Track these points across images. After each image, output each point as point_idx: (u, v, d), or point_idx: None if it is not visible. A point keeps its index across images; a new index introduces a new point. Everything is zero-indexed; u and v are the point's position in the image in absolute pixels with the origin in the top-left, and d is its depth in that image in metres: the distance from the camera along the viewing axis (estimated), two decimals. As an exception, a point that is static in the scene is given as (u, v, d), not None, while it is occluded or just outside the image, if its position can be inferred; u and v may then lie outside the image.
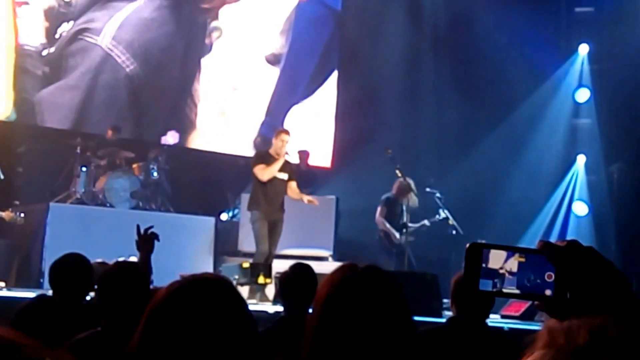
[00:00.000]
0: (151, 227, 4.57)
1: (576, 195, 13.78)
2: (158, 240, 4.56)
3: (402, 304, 1.92)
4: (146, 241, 4.55)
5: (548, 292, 1.13)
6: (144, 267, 4.28)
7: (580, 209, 13.71)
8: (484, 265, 1.13)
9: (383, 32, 14.30)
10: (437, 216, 11.68)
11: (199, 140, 13.39)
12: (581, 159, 13.87)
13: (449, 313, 5.25)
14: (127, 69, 12.47)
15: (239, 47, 13.62)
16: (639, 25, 13.64)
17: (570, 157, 13.92)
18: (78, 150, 11.43)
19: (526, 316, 8.84)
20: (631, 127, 13.33)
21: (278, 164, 9.75)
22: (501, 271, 1.13)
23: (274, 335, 4.24)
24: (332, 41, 14.57)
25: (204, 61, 13.38)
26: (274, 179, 9.82)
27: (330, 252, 11.56)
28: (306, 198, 10.19)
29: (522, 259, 1.13)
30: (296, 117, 14.07)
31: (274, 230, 9.93)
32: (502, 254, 1.14)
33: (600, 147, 13.57)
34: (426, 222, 11.54)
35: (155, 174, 11.78)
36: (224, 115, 13.56)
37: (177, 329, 1.67)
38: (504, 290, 1.14)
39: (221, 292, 1.74)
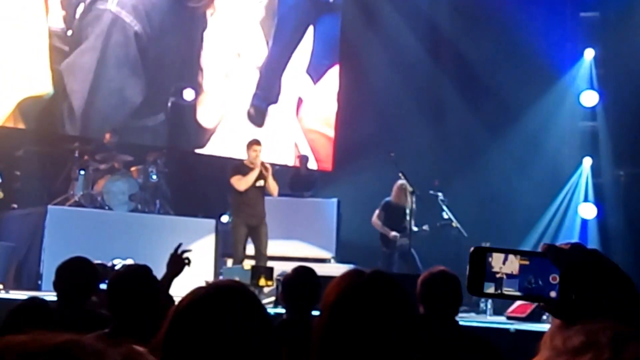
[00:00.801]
0: (188, 250, 4.39)
1: (582, 198, 13.69)
2: (189, 265, 4.37)
3: (409, 308, 1.96)
4: (177, 262, 4.33)
5: (553, 294, 1.13)
6: (165, 285, 4.16)
7: (588, 212, 13.61)
8: (487, 268, 1.15)
9: (385, 32, 14.19)
10: (439, 221, 11.58)
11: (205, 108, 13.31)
12: (587, 162, 13.79)
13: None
14: (136, 27, 12.59)
15: (240, 13, 13.67)
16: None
17: (577, 160, 13.82)
18: (76, 154, 11.46)
19: (532, 317, 8.73)
20: (638, 130, 13.25)
21: (254, 175, 10.14)
22: (505, 274, 1.14)
23: (276, 337, 4.16)
24: (332, 34, 14.46)
25: (207, 32, 13.42)
26: (252, 186, 10.14)
27: (332, 254, 11.48)
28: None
29: (526, 262, 1.14)
30: (297, 119, 13.98)
31: (258, 234, 10.26)
32: (506, 257, 1.15)
33: (608, 150, 13.49)
34: (426, 227, 11.39)
35: (154, 176, 11.74)
36: (228, 78, 13.54)
37: (201, 334, 1.74)
38: (508, 293, 1.14)
39: (243, 299, 1.81)
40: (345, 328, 1.88)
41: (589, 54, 14.04)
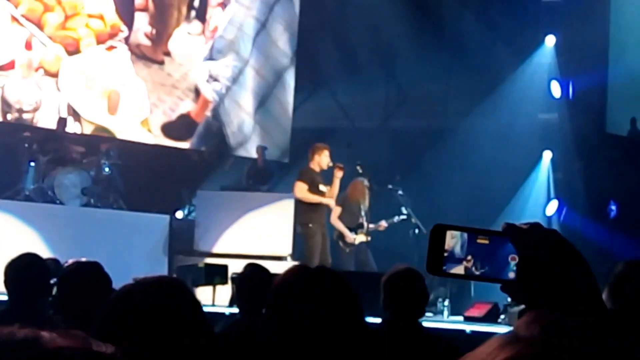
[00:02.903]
0: None
1: (543, 192, 13.69)
2: None
3: (353, 305, 1.93)
4: None
5: (511, 275, 1.11)
6: None
7: (547, 205, 13.62)
8: (447, 247, 1.13)
9: (344, 16, 13.96)
10: (397, 217, 11.43)
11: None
12: (547, 155, 13.77)
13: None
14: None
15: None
16: (606, 17, 13.58)
17: (537, 152, 13.80)
18: (26, 145, 11.11)
19: (490, 318, 8.65)
20: (597, 121, 13.26)
21: (335, 189, 10.07)
22: (464, 254, 1.13)
23: (230, 337, 4.14)
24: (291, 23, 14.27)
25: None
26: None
27: (290, 252, 11.30)
28: None
29: (486, 241, 1.13)
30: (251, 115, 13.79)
31: (324, 240, 10.21)
32: (466, 236, 1.13)
33: (567, 142, 13.48)
34: (384, 222, 11.25)
35: (107, 169, 11.48)
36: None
37: (129, 333, 1.67)
38: (467, 273, 1.13)
39: (175, 296, 1.73)
40: (289, 323, 1.88)
41: (550, 40, 14.01)
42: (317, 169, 9.88)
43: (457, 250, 1.13)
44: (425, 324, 7.31)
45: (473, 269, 1.12)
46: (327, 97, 14.28)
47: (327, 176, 10.27)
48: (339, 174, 9.91)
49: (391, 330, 3.88)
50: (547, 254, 1.09)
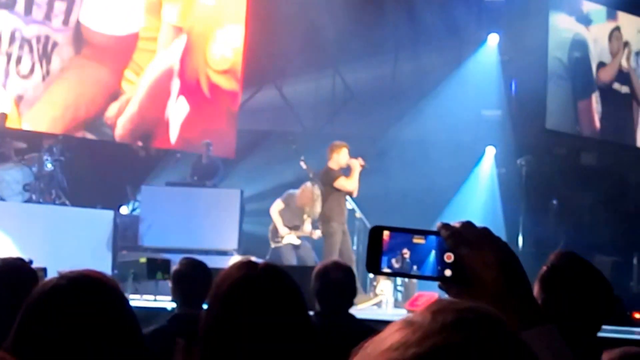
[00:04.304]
0: None
1: (485, 188, 13.84)
2: None
3: (299, 302, 1.95)
4: None
5: (448, 273, 1.15)
6: None
7: (490, 201, 13.77)
8: (385, 247, 1.16)
9: (290, 13, 13.89)
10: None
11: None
12: (490, 151, 13.93)
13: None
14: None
15: None
16: (547, 16, 13.77)
17: (480, 149, 13.94)
18: (-35, 140, 10.94)
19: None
20: (538, 118, 13.44)
21: (357, 173, 9.89)
22: (401, 252, 1.16)
23: (167, 332, 4.10)
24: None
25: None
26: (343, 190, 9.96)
27: (235, 247, 11.28)
28: None
29: (422, 241, 1.16)
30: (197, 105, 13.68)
31: (346, 237, 10.07)
32: (403, 235, 1.17)
33: (509, 138, 13.65)
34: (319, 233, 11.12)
35: (49, 165, 11.31)
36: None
37: (52, 328, 1.64)
38: (404, 271, 1.17)
39: (99, 290, 1.70)
40: (236, 319, 1.86)
41: (493, 39, 14.16)
42: (335, 167, 9.87)
43: (395, 250, 1.16)
44: (368, 316, 7.41)
45: (410, 267, 1.16)
46: (274, 94, 14.26)
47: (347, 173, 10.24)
48: (357, 166, 9.88)
49: (321, 322, 3.93)
50: (478, 251, 1.13)
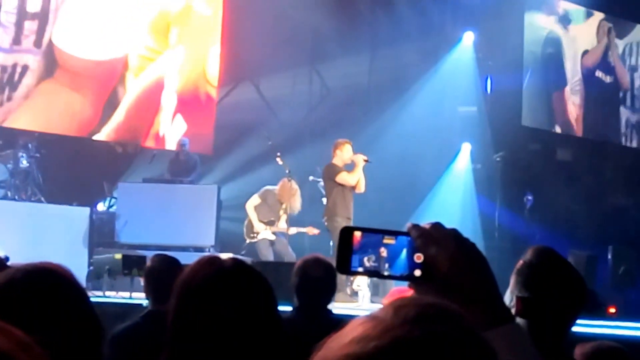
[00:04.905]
0: None
1: (462, 183, 13.90)
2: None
3: (265, 297, 1.93)
4: None
5: (417, 273, 1.16)
6: None
7: (466, 196, 13.84)
8: (355, 247, 1.17)
9: (267, 10, 13.89)
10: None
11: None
12: (466, 147, 13.99)
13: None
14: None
15: None
16: (522, 14, 13.84)
17: (457, 145, 13.99)
18: (-60, 137, 10.85)
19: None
20: (514, 114, 13.50)
21: (360, 168, 9.85)
22: (372, 253, 1.17)
23: (141, 329, 4.10)
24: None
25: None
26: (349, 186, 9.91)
27: (212, 243, 11.26)
28: None
29: (392, 241, 1.17)
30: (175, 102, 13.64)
31: None
32: (373, 236, 1.18)
33: (485, 135, 13.71)
34: (293, 230, 11.10)
35: (24, 162, 11.26)
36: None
37: (6, 321, 1.48)
38: (374, 271, 1.17)
39: (56, 283, 1.64)
40: (202, 315, 1.85)
41: (469, 37, 14.22)
42: (340, 164, 9.88)
43: (365, 250, 1.17)
44: (344, 311, 7.42)
45: (381, 267, 1.17)
46: (251, 90, 14.23)
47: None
48: (360, 161, 9.88)
49: (299, 317, 3.94)
50: (447, 252, 1.15)
